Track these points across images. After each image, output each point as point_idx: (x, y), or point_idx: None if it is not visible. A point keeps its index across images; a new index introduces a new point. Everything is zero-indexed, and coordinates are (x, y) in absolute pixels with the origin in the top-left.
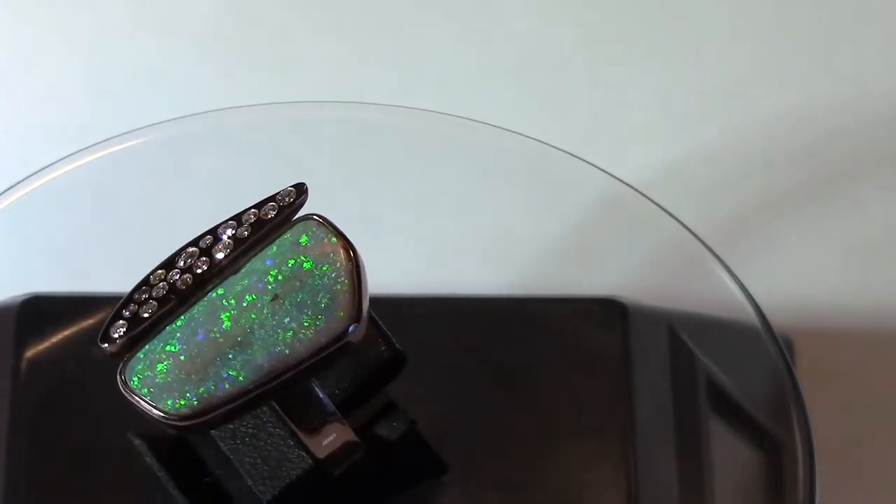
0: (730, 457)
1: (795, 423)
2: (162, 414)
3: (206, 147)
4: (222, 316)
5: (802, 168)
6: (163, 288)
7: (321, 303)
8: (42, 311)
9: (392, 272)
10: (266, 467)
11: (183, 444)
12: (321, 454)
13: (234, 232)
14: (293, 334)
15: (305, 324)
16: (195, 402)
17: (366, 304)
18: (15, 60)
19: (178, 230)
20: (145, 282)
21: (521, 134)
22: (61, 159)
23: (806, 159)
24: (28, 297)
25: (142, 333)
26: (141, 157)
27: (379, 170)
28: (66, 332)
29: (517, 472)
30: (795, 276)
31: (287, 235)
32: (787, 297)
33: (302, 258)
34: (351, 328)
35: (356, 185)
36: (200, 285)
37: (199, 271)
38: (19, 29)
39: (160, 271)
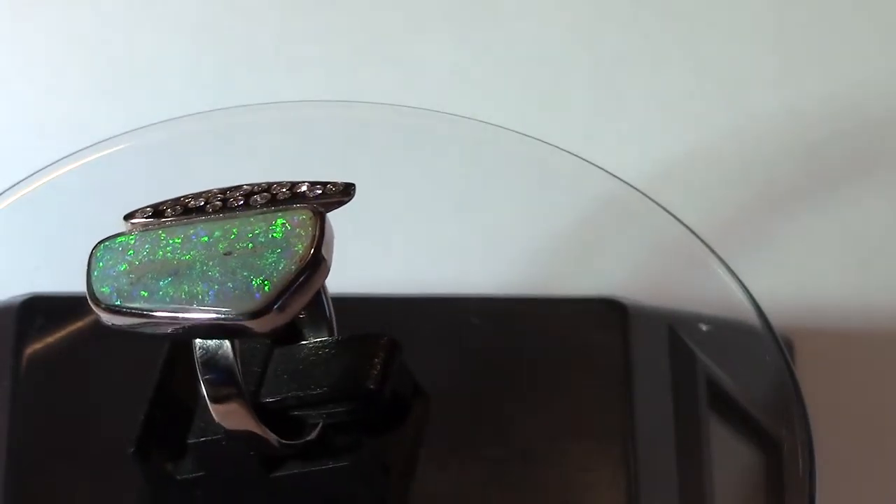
0: (730, 457)
1: (796, 423)
2: (93, 296)
3: (206, 147)
4: (187, 247)
5: (802, 168)
6: (184, 205)
7: (252, 280)
8: (42, 311)
9: (392, 272)
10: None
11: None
12: (222, 423)
13: (262, 194)
14: (207, 292)
15: (227, 293)
16: (116, 301)
17: (295, 308)
18: (15, 60)
19: None
20: (184, 197)
21: (521, 133)
22: (61, 159)
23: (806, 159)
24: (28, 297)
25: (150, 227)
26: (141, 157)
27: (379, 169)
28: (66, 332)
29: (517, 471)
30: (795, 276)
31: (282, 213)
32: (787, 297)
33: (275, 235)
34: (251, 320)
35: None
36: (199, 215)
37: (209, 207)
38: (19, 29)
39: (196, 197)
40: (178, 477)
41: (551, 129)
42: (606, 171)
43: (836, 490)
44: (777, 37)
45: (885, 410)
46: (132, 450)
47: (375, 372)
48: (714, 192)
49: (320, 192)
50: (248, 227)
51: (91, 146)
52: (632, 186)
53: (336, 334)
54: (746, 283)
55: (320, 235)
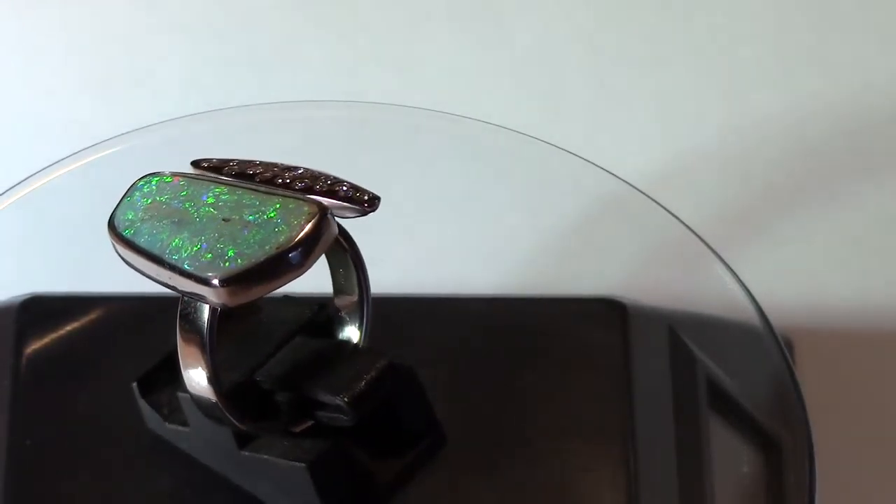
0: (730, 457)
1: (796, 423)
2: (112, 219)
3: (206, 147)
4: (199, 204)
5: (802, 168)
6: (242, 169)
7: (227, 251)
8: (42, 311)
9: (392, 272)
10: None
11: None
12: (186, 384)
13: (304, 181)
14: (190, 249)
15: (202, 256)
16: (124, 231)
17: (253, 290)
18: (15, 60)
19: None
20: (250, 162)
21: (521, 133)
22: (61, 160)
23: (806, 159)
24: (28, 297)
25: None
26: (141, 158)
27: (378, 169)
28: (66, 332)
29: (517, 472)
30: (795, 276)
31: (289, 199)
32: (787, 297)
33: (269, 215)
34: (205, 286)
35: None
36: (246, 182)
37: (257, 178)
38: (19, 29)
39: (257, 166)
40: (168, 424)
41: (551, 129)
42: (606, 171)
43: (836, 490)
44: (777, 37)
45: (885, 410)
46: (136, 382)
47: (356, 389)
48: (714, 192)
49: (349, 195)
50: (255, 203)
51: (91, 147)
52: (632, 186)
53: (364, 340)
54: (746, 283)
55: (310, 232)
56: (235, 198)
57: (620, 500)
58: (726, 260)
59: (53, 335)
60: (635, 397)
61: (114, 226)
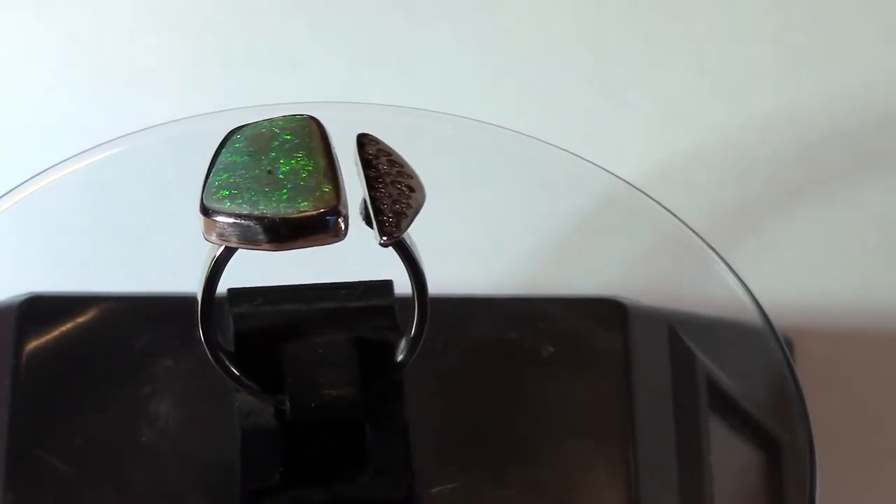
0: (730, 457)
1: (797, 422)
2: (205, 184)
3: (207, 149)
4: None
5: (802, 168)
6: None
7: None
8: (42, 311)
9: (392, 272)
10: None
11: None
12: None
13: (390, 178)
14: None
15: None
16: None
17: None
18: (15, 61)
19: (179, 230)
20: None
21: (521, 133)
22: (62, 161)
23: (806, 159)
24: (28, 297)
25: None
26: (141, 159)
27: None
28: (66, 332)
29: (517, 472)
30: (795, 276)
31: (324, 154)
32: (787, 297)
33: (308, 170)
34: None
35: (356, 184)
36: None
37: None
38: (20, 30)
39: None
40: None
41: (551, 129)
42: (607, 171)
43: (835, 490)
44: (777, 37)
45: (885, 410)
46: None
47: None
48: (714, 191)
49: (382, 218)
50: (307, 167)
51: (91, 148)
52: (632, 185)
53: (407, 356)
54: (746, 283)
55: (307, 220)
56: (292, 162)
57: (620, 500)
58: (726, 260)
59: (53, 335)
60: (635, 397)
61: (208, 187)
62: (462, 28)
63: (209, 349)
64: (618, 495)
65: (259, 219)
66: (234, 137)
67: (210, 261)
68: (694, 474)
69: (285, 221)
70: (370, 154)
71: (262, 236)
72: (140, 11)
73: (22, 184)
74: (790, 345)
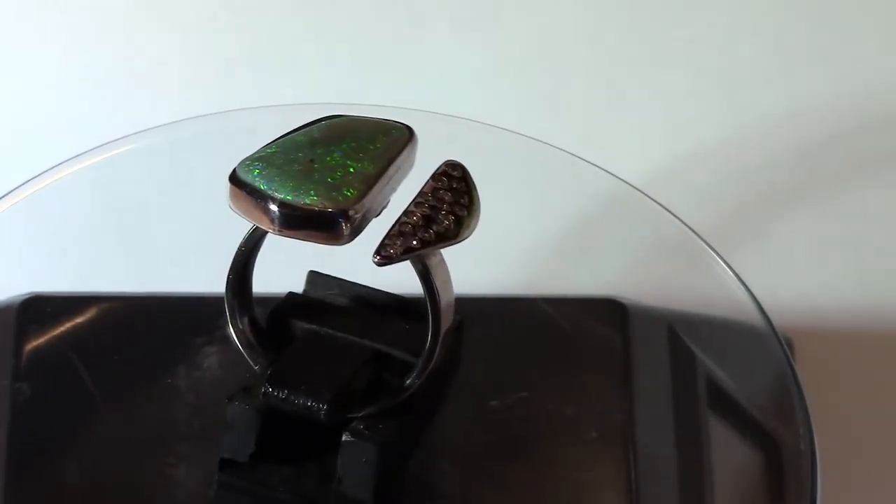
0: (730, 457)
1: (797, 422)
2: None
3: (208, 150)
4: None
5: (802, 168)
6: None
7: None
8: (42, 311)
9: (392, 272)
10: None
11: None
12: None
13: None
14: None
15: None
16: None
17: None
18: (16, 62)
19: (179, 230)
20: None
21: (520, 134)
22: (62, 163)
23: (806, 159)
24: (28, 297)
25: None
26: (141, 159)
27: None
28: (66, 332)
29: (517, 472)
30: (795, 276)
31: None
32: (787, 297)
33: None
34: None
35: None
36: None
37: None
38: (20, 30)
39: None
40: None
41: (551, 129)
42: (606, 171)
43: (835, 490)
44: (777, 37)
45: (885, 410)
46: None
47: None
48: (714, 192)
49: (398, 233)
50: (351, 168)
51: (92, 149)
52: (632, 186)
53: (414, 381)
54: (746, 283)
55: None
56: (334, 153)
57: (620, 500)
58: (726, 260)
59: (53, 335)
60: (635, 397)
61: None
62: (462, 28)
63: (228, 312)
64: (618, 495)
65: (265, 197)
66: (321, 122)
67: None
68: (694, 474)
69: (284, 206)
70: (442, 180)
71: (264, 216)
72: (141, 12)
73: (22, 184)
74: (790, 345)
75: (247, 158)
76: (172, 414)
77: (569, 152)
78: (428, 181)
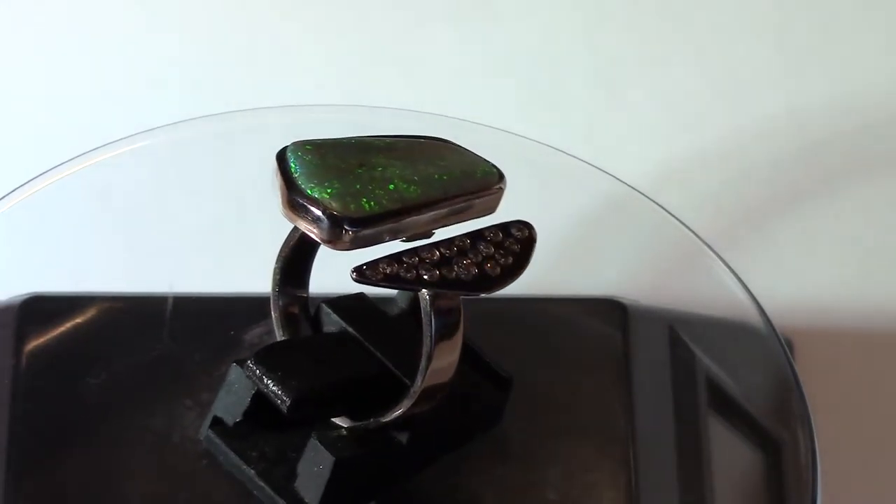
0: (730, 457)
1: (798, 422)
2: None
3: (208, 150)
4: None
5: (802, 168)
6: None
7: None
8: (42, 311)
9: None
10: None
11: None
12: None
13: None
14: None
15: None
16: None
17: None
18: (16, 63)
19: (179, 231)
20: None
21: (520, 135)
22: (62, 163)
23: (806, 159)
24: (28, 297)
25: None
26: (141, 160)
27: None
28: (66, 332)
29: (517, 471)
30: (795, 276)
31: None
32: (787, 297)
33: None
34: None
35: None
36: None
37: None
38: (20, 31)
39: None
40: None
41: (551, 129)
42: (606, 172)
43: (835, 490)
44: (778, 37)
45: (885, 410)
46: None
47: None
48: (714, 192)
49: (395, 260)
50: (391, 186)
51: (93, 149)
52: (632, 187)
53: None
54: (746, 283)
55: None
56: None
57: (620, 500)
58: (726, 260)
59: (53, 335)
60: (635, 397)
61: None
62: (462, 28)
63: (272, 286)
64: (618, 495)
65: (287, 177)
66: (417, 138)
67: None
68: (694, 474)
69: (294, 190)
70: (492, 231)
71: (279, 193)
72: (141, 12)
73: (23, 185)
74: (790, 345)
75: (306, 140)
76: (173, 414)
77: (569, 154)
78: (488, 227)
